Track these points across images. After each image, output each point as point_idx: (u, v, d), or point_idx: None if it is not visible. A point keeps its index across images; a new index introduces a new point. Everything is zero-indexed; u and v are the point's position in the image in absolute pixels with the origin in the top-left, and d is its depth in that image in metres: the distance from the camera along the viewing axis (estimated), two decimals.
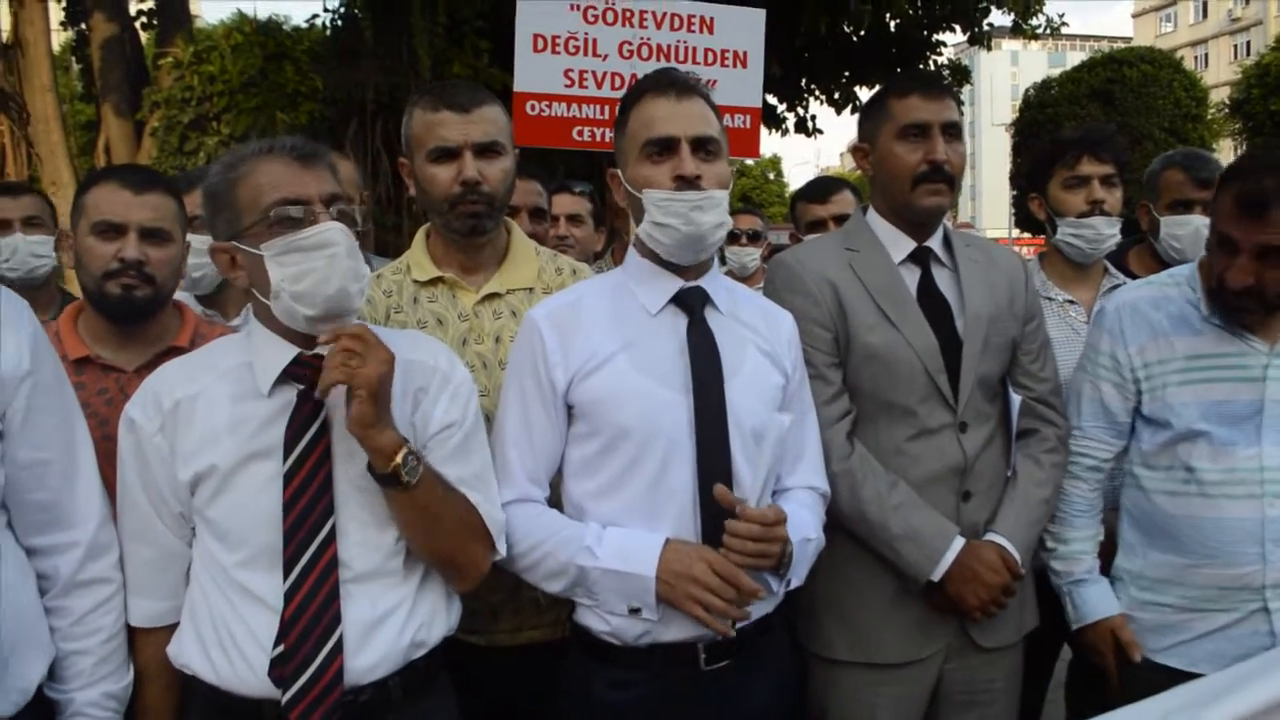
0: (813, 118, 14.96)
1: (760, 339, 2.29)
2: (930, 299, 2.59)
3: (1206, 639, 2.47)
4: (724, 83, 4.37)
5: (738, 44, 4.52)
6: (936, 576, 2.46)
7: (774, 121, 14.96)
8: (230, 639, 1.95)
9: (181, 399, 2.01)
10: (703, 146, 2.19)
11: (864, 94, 13.68)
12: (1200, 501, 2.45)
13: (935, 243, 2.64)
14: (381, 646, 1.97)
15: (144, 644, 2.08)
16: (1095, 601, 2.66)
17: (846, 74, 13.97)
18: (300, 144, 2.00)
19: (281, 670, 1.90)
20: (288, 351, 1.99)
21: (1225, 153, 24.10)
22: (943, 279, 2.63)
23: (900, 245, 2.61)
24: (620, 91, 4.32)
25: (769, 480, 2.24)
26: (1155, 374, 2.54)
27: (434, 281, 2.55)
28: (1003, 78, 72.88)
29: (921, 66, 14.12)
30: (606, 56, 4.36)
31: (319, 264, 1.91)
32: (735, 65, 4.52)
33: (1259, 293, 2.37)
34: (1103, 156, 3.19)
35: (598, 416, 2.17)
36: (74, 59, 13.15)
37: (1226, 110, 25.01)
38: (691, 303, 2.23)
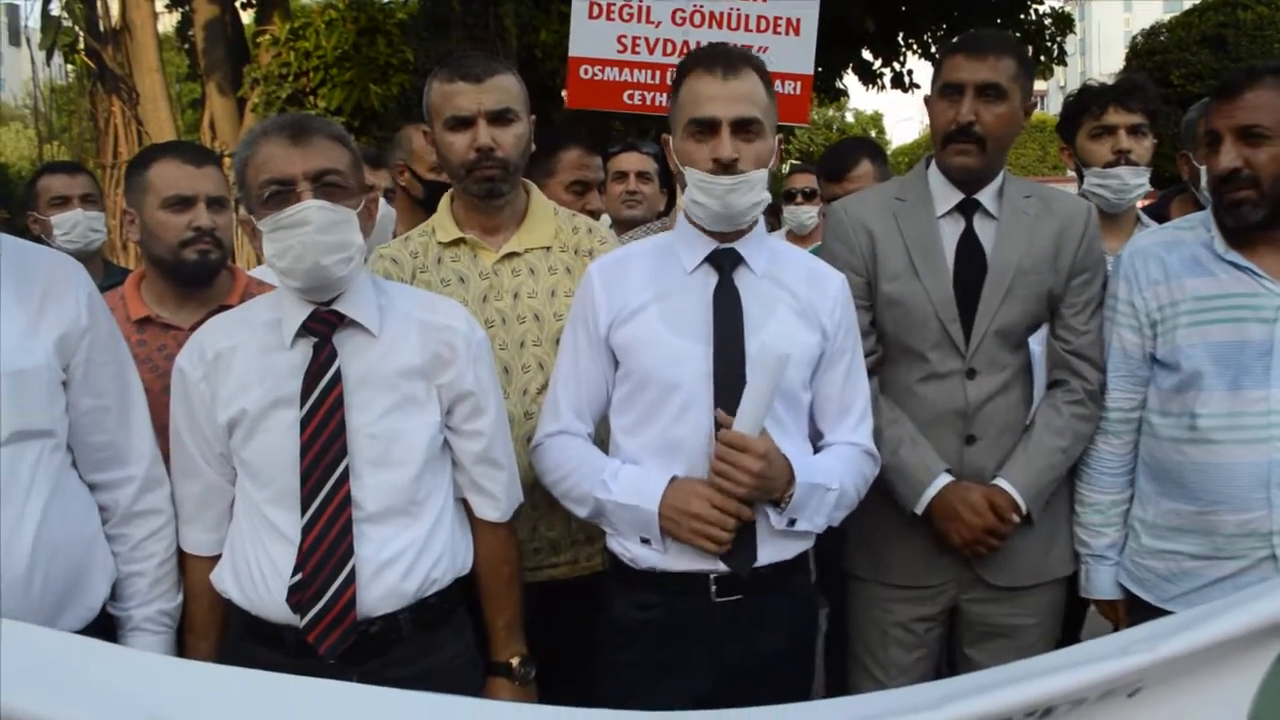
0: (909, 72, 14.66)
1: (795, 299, 2.36)
2: (969, 250, 2.68)
3: (1215, 586, 2.46)
4: (776, 50, 4.39)
5: (791, 11, 4.52)
6: (919, 510, 2.60)
7: (870, 78, 14.73)
8: (258, 568, 2.16)
9: (222, 350, 2.21)
10: (744, 128, 2.26)
11: None
12: (1207, 448, 2.45)
13: (987, 194, 2.70)
14: (392, 583, 2.14)
15: (193, 570, 2.30)
16: (1102, 582, 2.71)
17: (944, 27, 13.67)
18: (294, 121, 2.16)
19: (299, 597, 2.10)
20: (305, 308, 2.18)
21: None
22: (985, 231, 2.69)
23: (948, 197, 2.70)
24: (672, 57, 4.44)
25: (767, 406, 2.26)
26: (1168, 316, 2.54)
27: (456, 242, 2.71)
28: (1115, 24, 69.31)
29: (1021, 16, 13.76)
30: (659, 23, 4.46)
31: (293, 242, 2.08)
32: (788, 32, 4.53)
33: (1255, 181, 2.38)
34: (1130, 106, 3.18)
35: (629, 360, 2.35)
36: (180, 40, 13.64)
37: None
38: (723, 263, 2.35)
